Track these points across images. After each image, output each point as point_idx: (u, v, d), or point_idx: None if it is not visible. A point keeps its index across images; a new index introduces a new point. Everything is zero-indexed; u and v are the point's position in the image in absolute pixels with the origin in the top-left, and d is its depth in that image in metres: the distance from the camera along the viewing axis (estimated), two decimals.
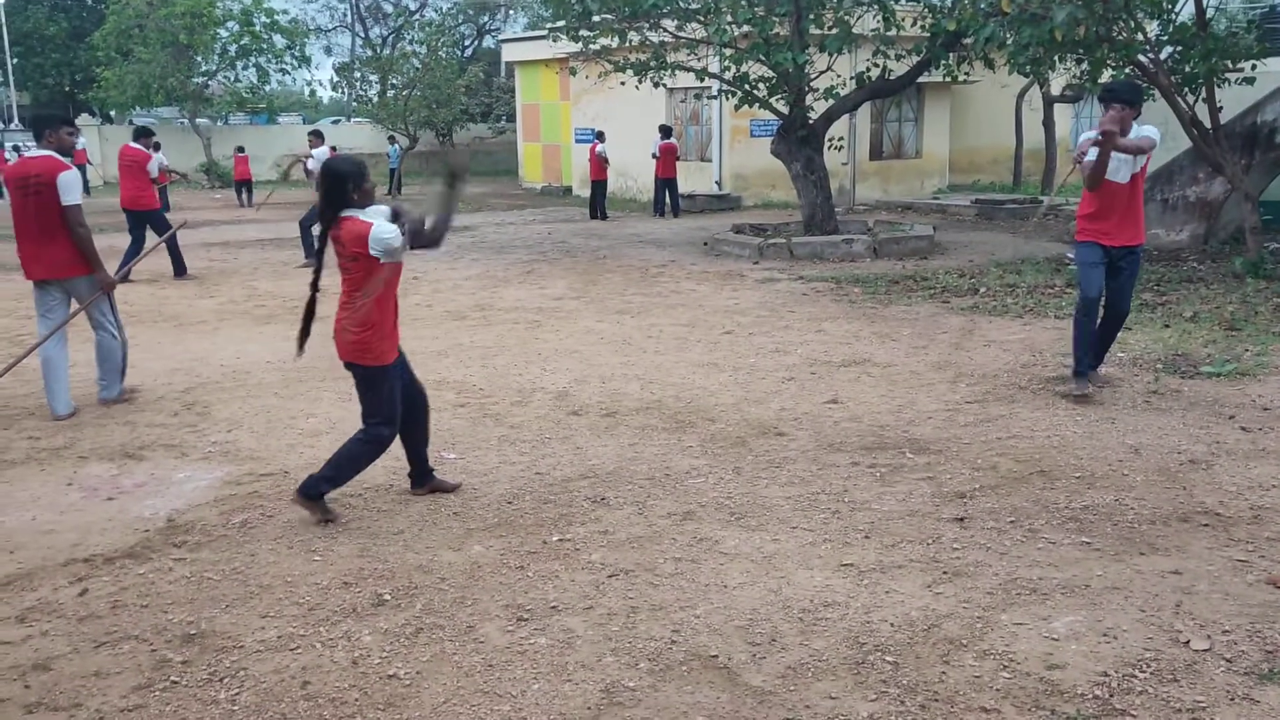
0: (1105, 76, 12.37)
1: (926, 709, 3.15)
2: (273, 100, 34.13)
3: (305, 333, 4.98)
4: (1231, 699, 3.15)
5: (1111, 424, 6.00)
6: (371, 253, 4.51)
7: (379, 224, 4.51)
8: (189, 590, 4.11)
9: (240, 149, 25.08)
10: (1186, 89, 11.62)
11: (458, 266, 13.57)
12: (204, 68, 31.60)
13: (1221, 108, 11.76)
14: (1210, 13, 11.76)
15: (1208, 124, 11.60)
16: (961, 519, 4.65)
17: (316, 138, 14.35)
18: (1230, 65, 11.55)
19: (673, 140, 20.22)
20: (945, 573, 4.10)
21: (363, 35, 46.02)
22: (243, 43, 31.16)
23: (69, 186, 6.47)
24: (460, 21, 42.39)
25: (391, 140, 28.07)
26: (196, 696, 3.34)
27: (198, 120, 31.54)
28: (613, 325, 9.43)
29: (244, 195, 24.31)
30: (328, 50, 48.53)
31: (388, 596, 4.01)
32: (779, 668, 3.42)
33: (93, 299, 6.68)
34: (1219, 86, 11.62)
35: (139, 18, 29.80)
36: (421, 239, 4.70)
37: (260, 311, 10.48)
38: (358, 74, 31.11)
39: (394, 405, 4.80)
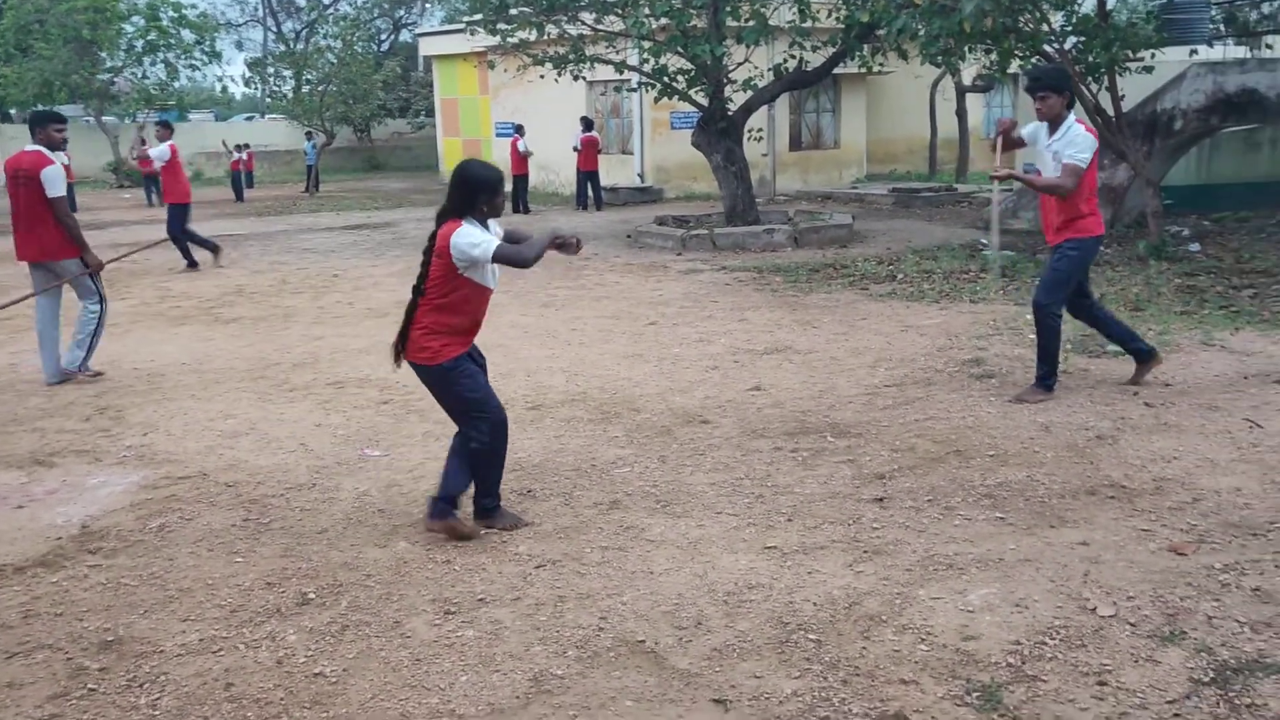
0: (1013, 67, 12.71)
1: (848, 683, 3.23)
2: (183, 97, 33.21)
3: (403, 340, 4.46)
4: (1136, 660, 3.28)
5: (1023, 404, 6.18)
6: (455, 259, 4.20)
7: (466, 227, 4.20)
8: (105, 597, 4.02)
9: (144, 141, 24.36)
10: (1090, 78, 11.98)
11: (379, 264, 13.41)
12: (109, 64, 30.64)
13: (1123, 96, 12.16)
14: (1111, 4, 12.13)
15: (1111, 112, 11.98)
16: (881, 499, 4.76)
17: (164, 128, 13.75)
18: (1131, 55, 11.95)
19: (594, 133, 20.22)
20: (865, 551, 4.19)
21: (275, 30, 45.08)
22: (149, 38, 30.27)
23: (52, 180, 7.18)
24: (376, 15, 41.77)
25: (309, 136, 27.58)
26: (115, 703, 3.27)
27: (104, 118, 30.57)
28: (537, 319, 9.42)
29: (153, 193, 23.63)
30: (239, 45, 47.48)
31: (312, 595, 3.97)
32: (705, 650, 3.47)
33: (81, 274, 7.38)
34: (1120, 76, 12.01)
35: (39, 12, 28.77)
36: (508, 252, 4.22)
37: (175, 313, 10.24)
38: (271, 69, 30.51)
39: (473, 395, 4.39)
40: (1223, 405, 5.93)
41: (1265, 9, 14.83)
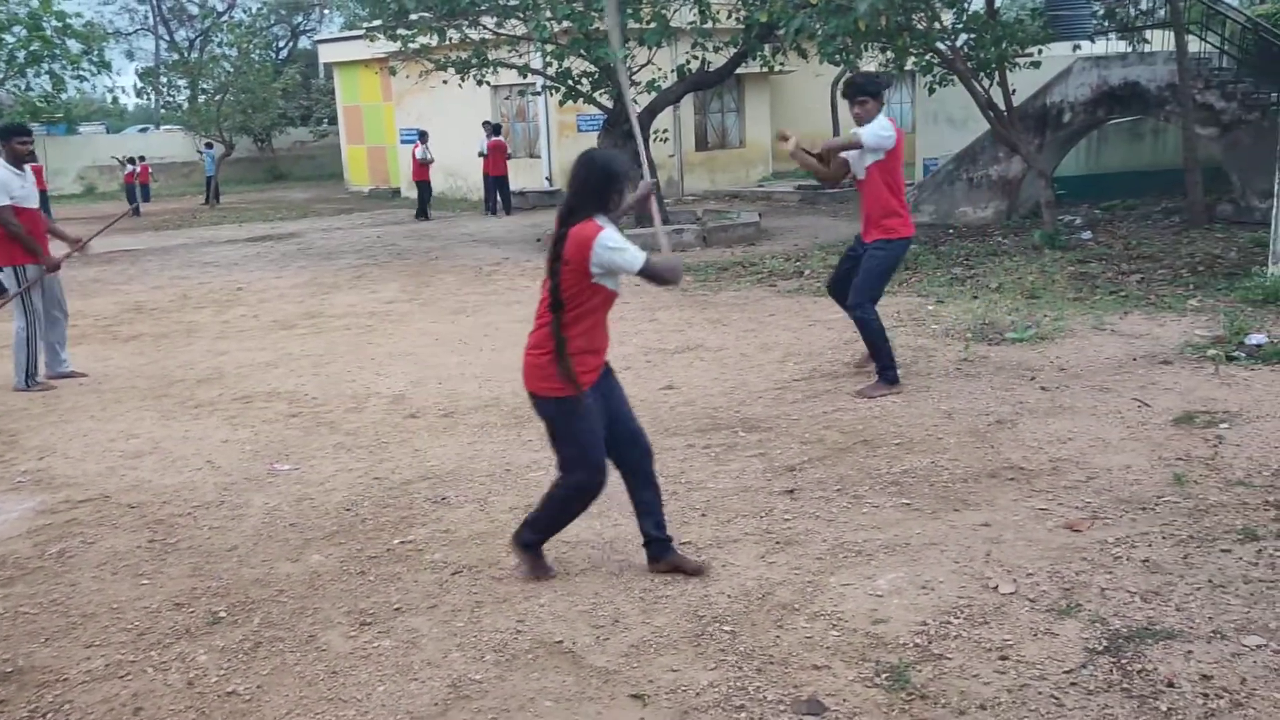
0: (909, 64, 13.04)
1: (763, 671, 3.30)
2: (71, 109, 32.06)
3: (565, 362, 3.79)
4: (1035, 634, 3.42)
5: (927, 392, 6.36)
6: (592, 266, 3.69)
7: (608, 231, 3.71)
8: (3, 627, 3.88)
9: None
10: (982, 74, 12.36)
11: (284, 275, 13.16)
12: None
13: (1014, 91, 12.57)
14: (999, 2, 12.54)
15: (1003, 107, 12.37)
16: (791, 491, 4.85)
17: None
18: (1020, 50, 12.36)
19: (501, 138, 20.13)
20: (777, 542, 4.28)
21: (168, 38, 43.82)
22: (32, 49, 29.13)
23: None
24: (272, 22, 40.88)
25: (208, 146, 26.88)
26: None
27: None
28: (448, 326, 9.35)
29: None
30: (130, 55, 45.98)
31: (223, 614, 3.90)
32: (622, 647, 3.50)
33: (31, 284, 7.55)
34: (1010, 71, 12.41)
35: None
36: (661, 268, 3.84)
37: (71, 332, 9.85)
38: (164, 79, 29.66)
39: (586, 445, 3.86)
40: (1113, 387, 6.18)
41: (1144, 4, 15.46)
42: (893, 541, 4.21)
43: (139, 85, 31.86)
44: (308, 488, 5.26)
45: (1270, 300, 8.10)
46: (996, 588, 3.75)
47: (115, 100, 36.92)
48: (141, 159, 26.17)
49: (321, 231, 18.40)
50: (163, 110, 34.43)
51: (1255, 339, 6.86)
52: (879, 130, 6.17)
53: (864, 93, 6.22)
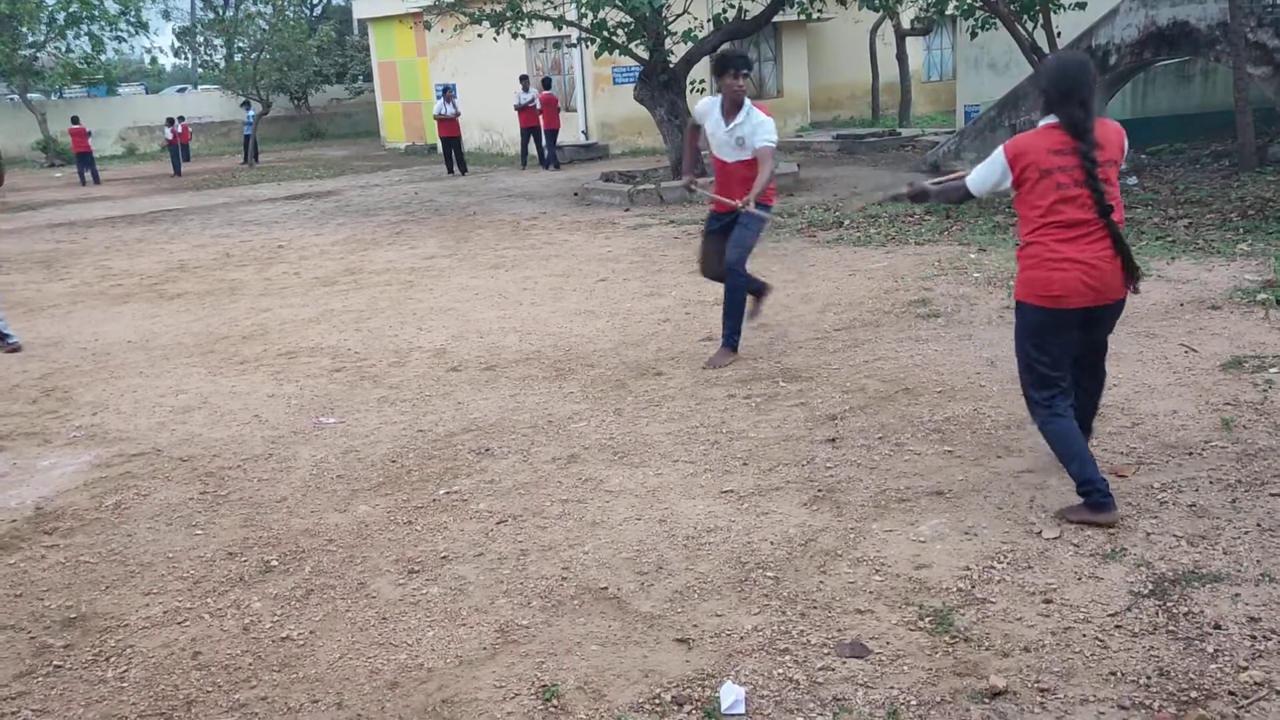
0: (950, 8, 12.79)
1: (806, 616, 3.33)
2: (111, 70, 32.31)
3: (1130, 262, 3.69)
4: (1079, 578, 3.41)
5: (969, 341, 6.31)
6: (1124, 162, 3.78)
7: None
8: (65, 576, 4.01)
9: (75, 120, 23.69)
10: (1025, 16, 12.08)
11: (323, 232, 13.25)
12: (31, 39, 29.69)
13: (1059, 34, 12.29)
14: None
15: (1047, 50, 12.10)
16: (833, 439, 4.85)
17: None
18: None
19: (553, 91, 20.00)
20: (820, 490, 4.29)
21: None
22: (71, 10, 29.32)
23: None
24: None
25: (246, 106, 26.99)
26: (83, 678, 3.28)
27: (29, 95, 29.71)
28: (487, 280, 9.39)
29: (86, 172, 23.06)
30: (166, 15, 46.14)
31: (275, 562, 3.99)
32: (667, 593, 3.55)
33: None
34: (1055, 13, 12.12)
35: None
36: None
37: (117, 291, 10.07)
38: (200, 38, 29.75)
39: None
40: (1159, 332, 6.10)
41: None
42: (935, 488, 4.21)
43: (176, 45, 32.02)
44: (353, 440, 5.34)
45: None
46: (1040, 533, 3.74)
47: (154, 60, 36.99)
48: (181, 119, 26.34)
49: (359, 189, 18.47)
50: (200, 70, 34.59)
51: None
52: (773, 128, 6.09)
53: (747, 67, 6.14)
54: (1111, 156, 3.68)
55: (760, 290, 6.70)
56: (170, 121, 25.09)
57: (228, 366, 6.98)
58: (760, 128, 6.04)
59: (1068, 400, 3.86)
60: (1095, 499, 3.73)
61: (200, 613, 3.64)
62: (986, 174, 3.89)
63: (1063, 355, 3.81)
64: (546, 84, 19.93)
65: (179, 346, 7.63)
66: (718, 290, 8.22)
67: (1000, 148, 3.83)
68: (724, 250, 6.28)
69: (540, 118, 19.65)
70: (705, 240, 6.55)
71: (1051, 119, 3.70)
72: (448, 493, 4.57)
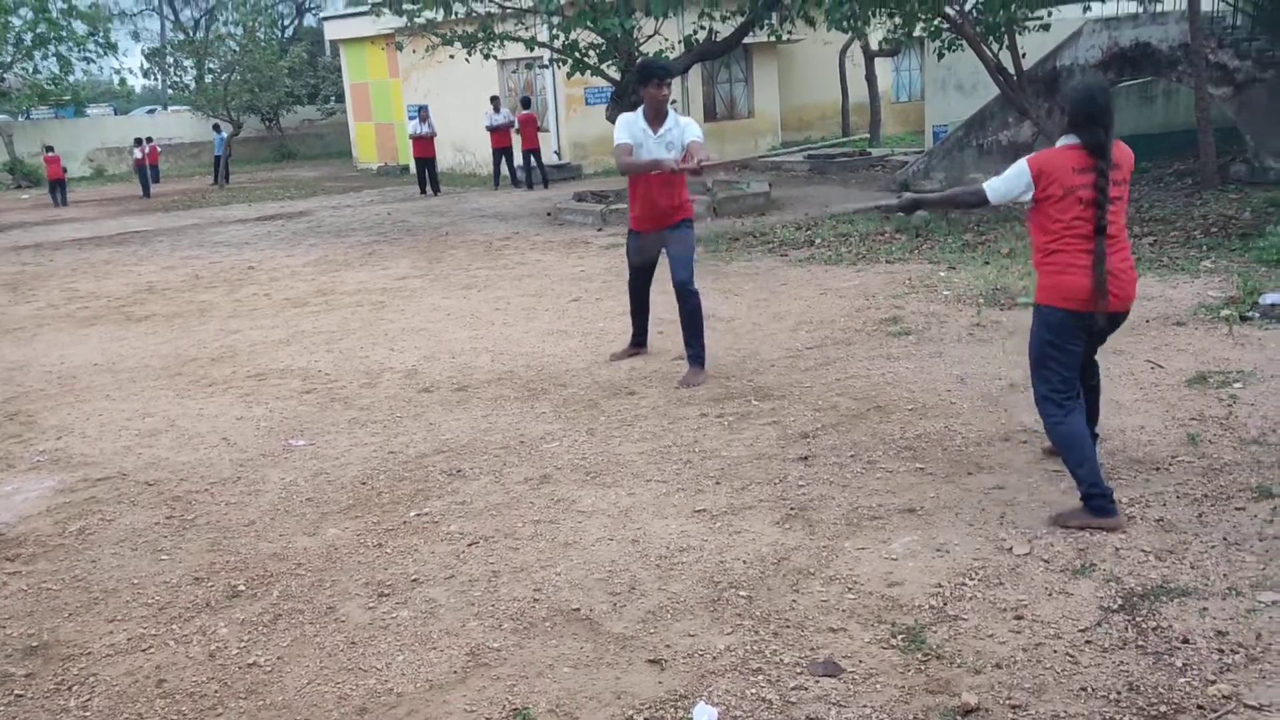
0: (918, 29, 12.93)
1: (779, 635, 3.32)
2: (79, 91, 32.07)
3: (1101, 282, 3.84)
4: (1050, 594, 3.43)
5: (940, 358, 6.35)
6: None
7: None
8: (27, 603, 3.94)
9: (49, 149, 23.54)
10: (991, 38, 12.23)
11: (295, 253, 13.18)
12: None
13: (1024, 55, 12.45)
14: None
15: (1013, 71, 12.26)
16: (806, 457, 4.86)
17: None
18: (1029, 13, 12.23)
19: (532, 111, 19.99)
20: (792, 509, 4.29)
21: (173, 18, 43.72)
22: (38, 31, 29.11)
23: None
24: (277, 0, 40.75)
25: (216, 129, 26.83)
26: (45, 707, 3.22)
27: None
28: (459, 301, 9.36)
29: (58, 195, 22.86)
30: (135, 35, 45.91)
31: (242, 587, 3.94)
32: (639, 613, 3.53)
33: None
34: (1020, 34, 12.29)
35: None
36: None
37: (83, 313, 9.96)
38: (170, 59, 29.59)
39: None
40: (1126, 349, 6.15)
41: None
42: (907, 505, 4.22)
43: (145, 66, 31.82)
44: (323, 463, 5.29)
45: None
46: (1011, 549, 3.76)
47: (123, 82, 36.78)
48: (149, 140, 26.16)
49: (331, 209, 18.40)
50: (170, 91, 34.37)
51: (1269, 298, 6.82)
52: (698, 131, 6.24)
53: (671, 74, 6.25)
54: (1124, 176, 3.91)
55: (639, 343, 6.88)
56: (138, 142, 24.90)
57: (196, 389, 6.91)
58: (688, 127, 6.17)
59: (1079, 403, 3.99)
60: (1100, 504, 3.83)
61: (165, 639, 3.59)
62: (1009, 186, 4.06)
63: (1078, 358, 3.98)
64: (526, 103, 19.94)
65: (146, 369, 7.54)
66: None
67: (1023, 162, 4.01)
68: (652, 272, 6.52)
69: (516, 137, 19.64)
70: (631, 261, 6.62)
71: (1072, 139, 3.88)
72: (419, 514, 4.53)
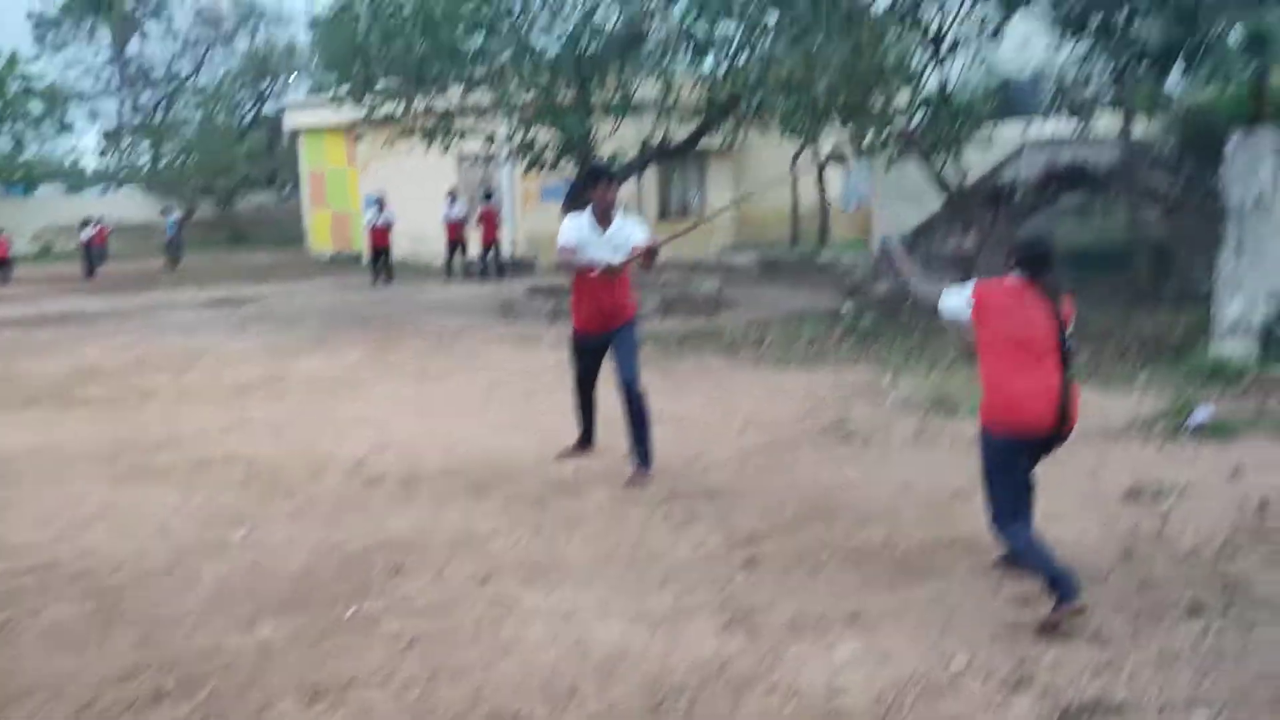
0: (867, 141, 13.39)
1: None
2: (32, 169, 31.92)
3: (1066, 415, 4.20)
4: (988, 707, 3.44)
5: (885, 463, 6.43)
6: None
7: None
8: None
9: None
10: (937, 152, 12.70)
11: (244, 339, 13.07)
12: None
13: (969, 170, 12.93)
14: (953, 83, 12.95)
15: (958, 184, 12.71)
16: (751, 561, 4.86)
17: None
18: (973, 130, 12.74)
19: (494, 204, 20.22)
20: (736, 613, 4.28)
21: (131, 101, 43.82)
22: None
23: None
24: (238, 87, 41.09)
25: (164, 212, 26.71)
26: None
27: None
28: (410, 392, 9.32)
29: (2, 273, 22.57)
30: (93, 116, 45.81)
31: (170, 687, 3.81)
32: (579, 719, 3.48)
33: None
34: (964, 150, 12.77)
35: None
36: None
37: (20, 396, 9.74)
38: (126, 141, 29.60)
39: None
40: (1065, 460, 6.22)
41: (1091, 89, 16.01)
42: (851, 612, 4.23)
43: (101, 147, 31.79)
44: (261, 555, 5.19)
45: (1214, 376, 8.32)
46: (952, 660, 3.78)
47: (76, 162, 36.69)
48: (99, 220, 26.00)
49: (283, 295, 18.33)
50: (124, 171, 34.29)
51: (1200, 415, 7.02)
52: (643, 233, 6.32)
53: (619, 177, 6.42)
54: (1066, 313, 4.21)
55: (587, 442, 6.87)
56: (86, 223, 24.66)
57: (134, 476, 6.77)
58: (637, 227, 6.30)
59: (1029, 516, 4.29)
60: (1070, 591, 3.96)
61: None
62: (955, 306, 4.38)
63: (1025, 475, 4.26)
64: (488, 196, 20.18)
65: (83, 455, 7.37)
66: None
67: (971, 286, 4.30)
68: (597, 371, 6.52)
69: (474, 230, 19.81)
70: (576, 362, 6.61)
71: (1017, 275, 4.21)
72: (357, 612, 4.44)
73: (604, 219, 6.25)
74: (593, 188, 6.27)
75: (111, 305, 17.42)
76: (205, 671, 3.93)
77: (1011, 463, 4.18)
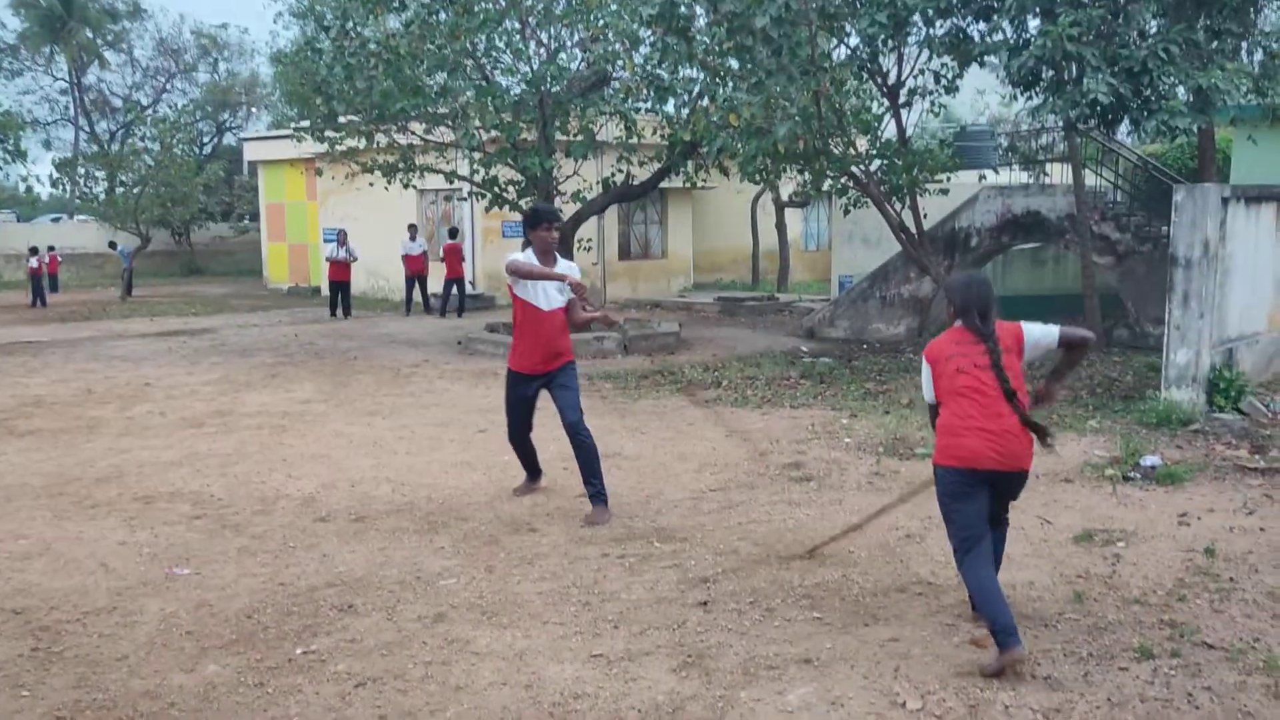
0: (826, 185, 13.58)
1: None
2: None
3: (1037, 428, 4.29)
4: None
5: (839, 505, 6.45)
6: (1027, 353, 4.37)
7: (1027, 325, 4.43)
8: None
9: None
10: (894, 197, 12.90)
11: (195, 371, 12.88)
12: None
13: (925, 215, 13.14)
14: (910, 131, 13.19)
15: (914, 229, 12.90)
16: (705, 603, 4.84)
17: None
18: (930, 177, 12.97)
19: (459, 240, 20.16)
20: (690, 656, 4.25)
21: (88, 130, 43.39)
22: None
23: None
24: (198, 118, 40.85)
25: (112, 245, 26.24)
26: None
27: None
28: (363, 428, 9.22)
29: None
30: (47, 144, 45.33)
31: None
32: None
33: None
34: (921, 196, 13.00)
35: None
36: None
37: None
38: (82, 170, 29.20)
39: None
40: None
41: (1044, 140, 16.40)
42: (804, 655, 4.22)
43: (55, 175, 31.34)
44: (207, 593, 5.08)
45: (1163, 423, 8.46)
46: (904, 704, 3.77)
47: (29, 189, 36.16)
48: (51, 249, 25.61)
49: (237, 328, 18.11)
50: (78, 201, 33.84)
51: (1149, 460, 7.14)
52: (576, 270, 6.38)
53: (560, 219, 6.46)
54: (1009, 346, 4.27)
55: (535, 477, 6.89)
56: (34, 251, 24.25)
57: (77, 510, 6.61)
58: (572, 269, 6.34)
59: (986, 551, 4.25)
60: (1002, 639, 3.97)
61: None
62: (926, 390, 4.48)
63: (978, 511, 4.24)
64: (453, 234, 20.16)
65: (25, 487, 7.20)
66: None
67: (924, 356, 4.47)
68: (530, 417, 6.53)
69: (436, 264, 19.74)
70: (513, 405, 6.53)
71: (959, 324, 4.34)
72: (305, 652, 4.36)
73: (545, 259, 6.28)
74: (534, 229, 6.30)
75: (60, 335, 17.11)
76: (146, 713, 3.83)
77: (962, 497, 4.21)
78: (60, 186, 33.83)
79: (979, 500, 4.22)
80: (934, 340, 4.46)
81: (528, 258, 6.25)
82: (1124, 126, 13.87)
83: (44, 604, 4.95)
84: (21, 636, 4.56)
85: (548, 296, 6.29)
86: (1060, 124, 13.64)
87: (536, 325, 6.32)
